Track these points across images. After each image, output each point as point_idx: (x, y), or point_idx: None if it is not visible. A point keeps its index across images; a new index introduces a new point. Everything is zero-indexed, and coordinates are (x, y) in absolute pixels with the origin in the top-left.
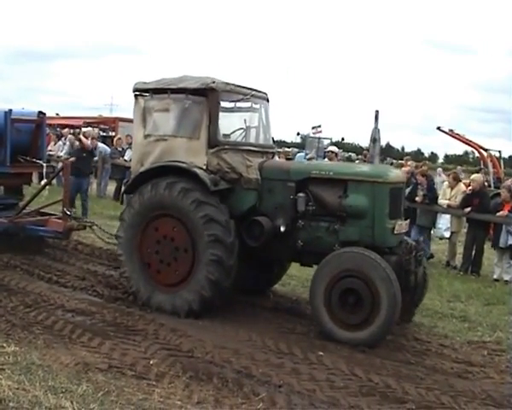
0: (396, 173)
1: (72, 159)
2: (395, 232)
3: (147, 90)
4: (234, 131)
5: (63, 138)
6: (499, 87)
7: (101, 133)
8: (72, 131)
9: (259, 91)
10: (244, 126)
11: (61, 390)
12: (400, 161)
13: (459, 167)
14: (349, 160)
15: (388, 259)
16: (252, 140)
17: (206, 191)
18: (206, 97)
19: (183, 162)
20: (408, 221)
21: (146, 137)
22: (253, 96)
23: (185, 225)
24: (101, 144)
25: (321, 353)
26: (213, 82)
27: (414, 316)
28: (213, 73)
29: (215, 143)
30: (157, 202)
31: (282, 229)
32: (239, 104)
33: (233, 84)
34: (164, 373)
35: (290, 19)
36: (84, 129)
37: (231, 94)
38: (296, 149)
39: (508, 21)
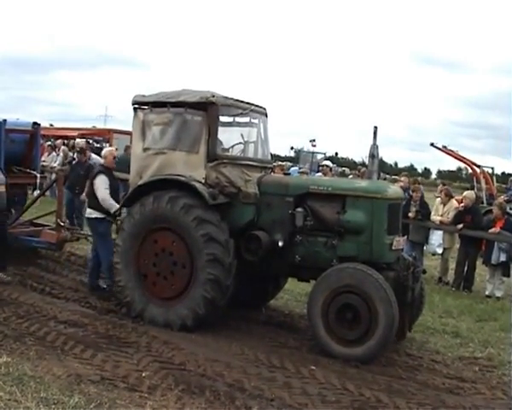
0: (394, 190)
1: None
2: (393, 248)
3: (146, 104)
4: (233, 146)
5: (57, 149)
6: (488, 103)
7: (96, 145)
8: (65, 142)
9: (258, 106)
10: (243, 141)
11: (53, 402)
12: (394, 177)
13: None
14: (343, 175)
15: (386, 275)
16: (250, 155)
17: (207, 208)
18: (206, 111)
19: (181, 176)
20: (405, 237)
21: (145, 150)
22: (251, 110)
23: (185, 241)
24: (94, 156)
25: (313, 367)
26: (213, 96)
27: (409, 333)
28: (208, 85)
29: (214, 156)
30: (158, 215)
31: (280, 244)
32: (238, 119)
33: (232, 99)
34: (156, 386)
35: (286, 33)
36: (77, 140)
37: (230, 108)
38: (290, 164)
39: (495, 38)
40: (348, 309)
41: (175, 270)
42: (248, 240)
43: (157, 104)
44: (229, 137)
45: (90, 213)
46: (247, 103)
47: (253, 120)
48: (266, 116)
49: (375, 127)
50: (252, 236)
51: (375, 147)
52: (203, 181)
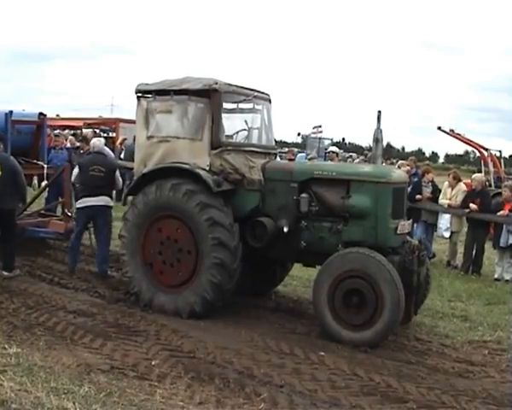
0: (399, 174)
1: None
2: (398, 232)
3: (149, 92)
4: (236, 132)
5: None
6: (494, 86)
7: (102, 134)
8: (72, 132)
9: (262, 92)
10: (246, 127)
11: (63, 391)
12: (402, 161)
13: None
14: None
15: (391, 259)
16: (254, 141)
17: (210, 193)
18: (209, 98)
19: (186, 163)
20: (411, 221)
21: (149, 138)
22: (255, 97)
23: (189, 227)
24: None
25: (322, 353)
26: (216, 83)
27: (414, 317)
28: (213, 73)
29: (218, 144)
30: (161, 203)
31: (285, 229)
32: (241, 105)
33: (235, 86)
34: (166, 374)
35: (291, 19)
36: (84, 130)
37: (234, 95)
38: (297, 150)
39: (498, 22)
40: (353, 294)
41: (181, 257)
42: (253, 226)
43: (160, 92)
44: (232, 123)
45: (109, 201)
46: (251, 90)
47: (256, 106)
48: (270, 102)
49: (379, 111)
50: (257, 222)
51: (379, 131)
52: (207, 168)
